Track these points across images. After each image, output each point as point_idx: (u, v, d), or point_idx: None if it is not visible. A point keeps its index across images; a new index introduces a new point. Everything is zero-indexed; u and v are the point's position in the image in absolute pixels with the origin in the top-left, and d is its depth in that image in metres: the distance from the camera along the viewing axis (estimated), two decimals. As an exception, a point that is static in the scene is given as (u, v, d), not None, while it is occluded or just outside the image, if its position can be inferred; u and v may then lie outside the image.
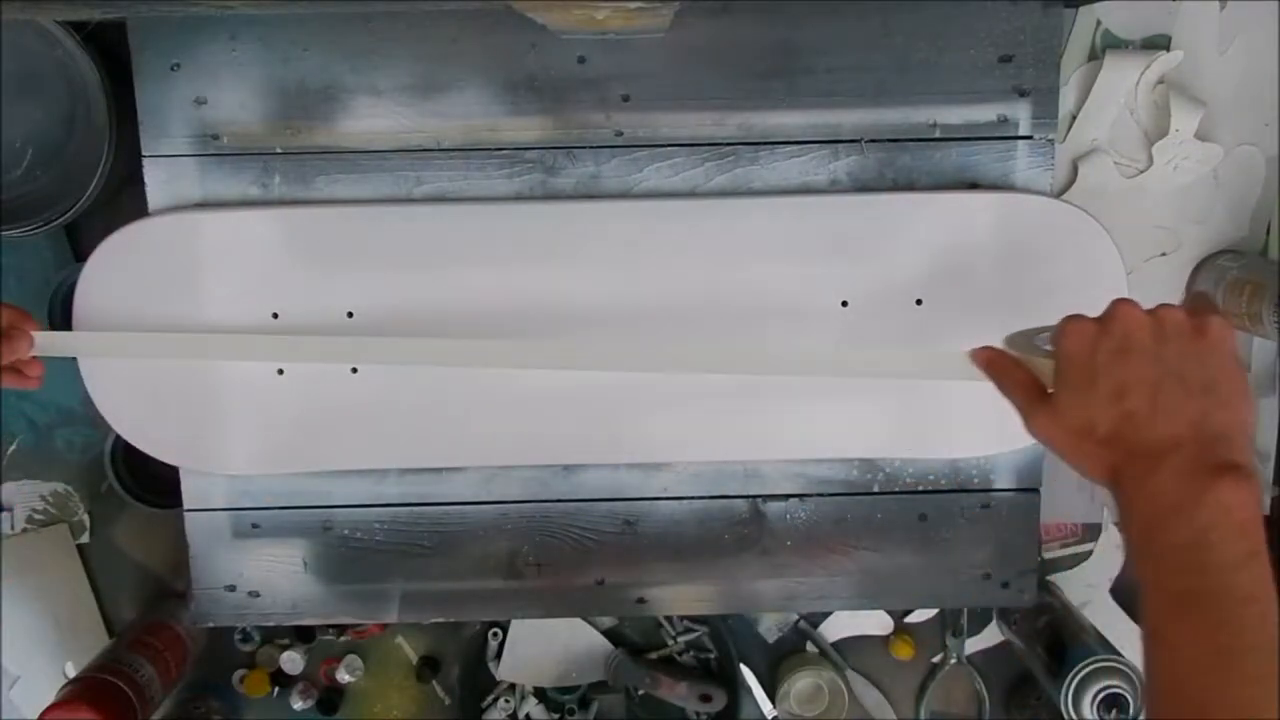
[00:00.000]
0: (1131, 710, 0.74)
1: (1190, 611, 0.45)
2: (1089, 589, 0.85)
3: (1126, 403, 0.49)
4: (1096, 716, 0.74)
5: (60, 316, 0.77)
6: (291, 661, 0.85)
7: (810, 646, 0.87)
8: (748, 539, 0.77)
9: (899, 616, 0.87)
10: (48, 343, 0.68)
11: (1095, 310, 0.53)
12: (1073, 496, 0.84)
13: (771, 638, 0.87)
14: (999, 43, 0.70)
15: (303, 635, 0.86)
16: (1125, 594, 0.85)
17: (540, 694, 0.87)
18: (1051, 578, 0.85)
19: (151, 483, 0.81)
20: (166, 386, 0.72)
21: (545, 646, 0.85)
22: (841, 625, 0.87)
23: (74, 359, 0.71)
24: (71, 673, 0.81)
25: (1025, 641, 0.82)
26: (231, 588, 0.77)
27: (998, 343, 0.59)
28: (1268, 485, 0.83)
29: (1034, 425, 0.53)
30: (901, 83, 0.71)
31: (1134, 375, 0.49)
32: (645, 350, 0.69)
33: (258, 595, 0.77)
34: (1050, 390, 0.53)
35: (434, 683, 0.87)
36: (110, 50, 0.72)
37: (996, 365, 0.57)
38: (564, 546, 0.77)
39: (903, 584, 0.78)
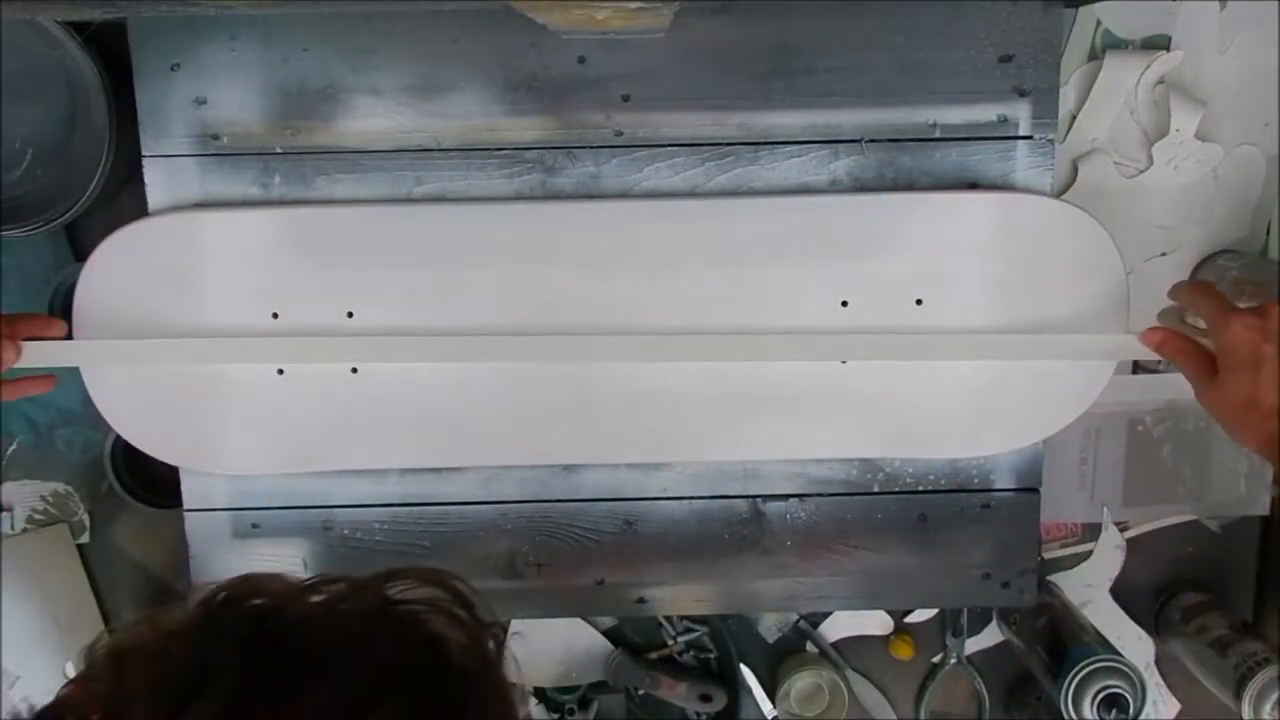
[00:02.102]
0: (1131, 710, 0.74)
1: None
2: (1089, 589, 0.85)
3: None
4: (1096, 716, 0.74)
5: (60, 316, 0.76)
6: (291, 661, 0.85)
7: (810, 646, 0.87)
8: (748, 539, 0.77)
9: (899, 616, 0.87)
10: (40, 353, 0.68)
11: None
12: (1073, 496, 0.84)
13: (771, 638, 0.87)
14: (999, 43, 0.70)
15: (303, 635, 0.86)
16: (1125, 594, 0.85)
17: (540, 694, 0.86)
18: (1051, 578, 0.85)
19: (151, 483, 0.81)
20: (167, 387, 0.72)
21: (545, 646, 0.85)
22: (841, 625, 0.87)
23: (74, 359, 0.71)
24: (71, 673, 0.81)
25: (1025, 641, 0.82)
26: (231, 588, 0.77)
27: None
28: (1267, 485, 0.83)
29: (1203, 397, 0.62)
30: (901, 83, 0.71)
31: None
32: (655, 343, 0.69)
33: (258, 595, 0.77)
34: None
35: (434, 683, 0.87)
36: (110, 50, 0.72)
37: (1171, 345, 0.64)
38: (564, 546, 0.77)
39: (903, 584, 0.78)
